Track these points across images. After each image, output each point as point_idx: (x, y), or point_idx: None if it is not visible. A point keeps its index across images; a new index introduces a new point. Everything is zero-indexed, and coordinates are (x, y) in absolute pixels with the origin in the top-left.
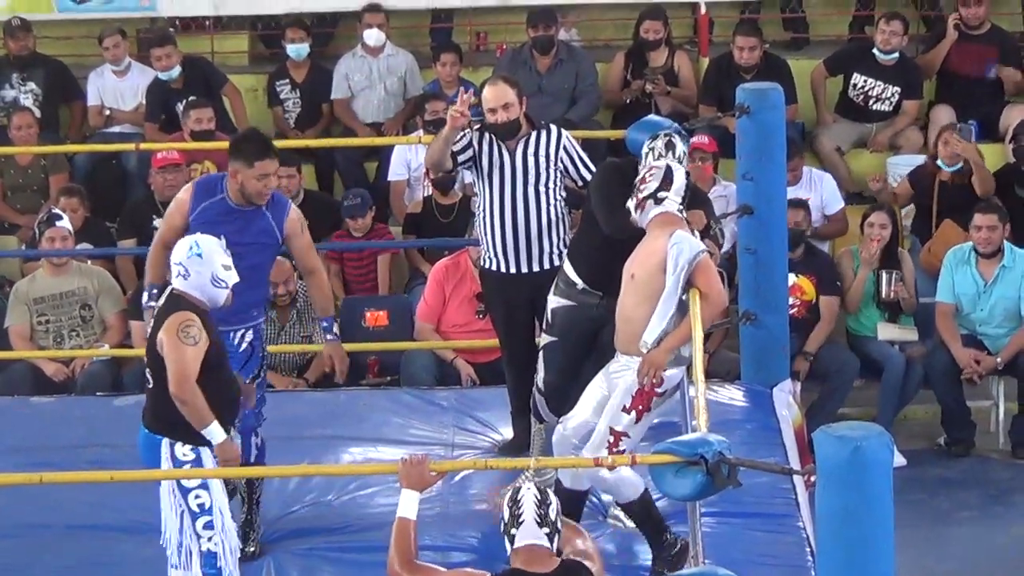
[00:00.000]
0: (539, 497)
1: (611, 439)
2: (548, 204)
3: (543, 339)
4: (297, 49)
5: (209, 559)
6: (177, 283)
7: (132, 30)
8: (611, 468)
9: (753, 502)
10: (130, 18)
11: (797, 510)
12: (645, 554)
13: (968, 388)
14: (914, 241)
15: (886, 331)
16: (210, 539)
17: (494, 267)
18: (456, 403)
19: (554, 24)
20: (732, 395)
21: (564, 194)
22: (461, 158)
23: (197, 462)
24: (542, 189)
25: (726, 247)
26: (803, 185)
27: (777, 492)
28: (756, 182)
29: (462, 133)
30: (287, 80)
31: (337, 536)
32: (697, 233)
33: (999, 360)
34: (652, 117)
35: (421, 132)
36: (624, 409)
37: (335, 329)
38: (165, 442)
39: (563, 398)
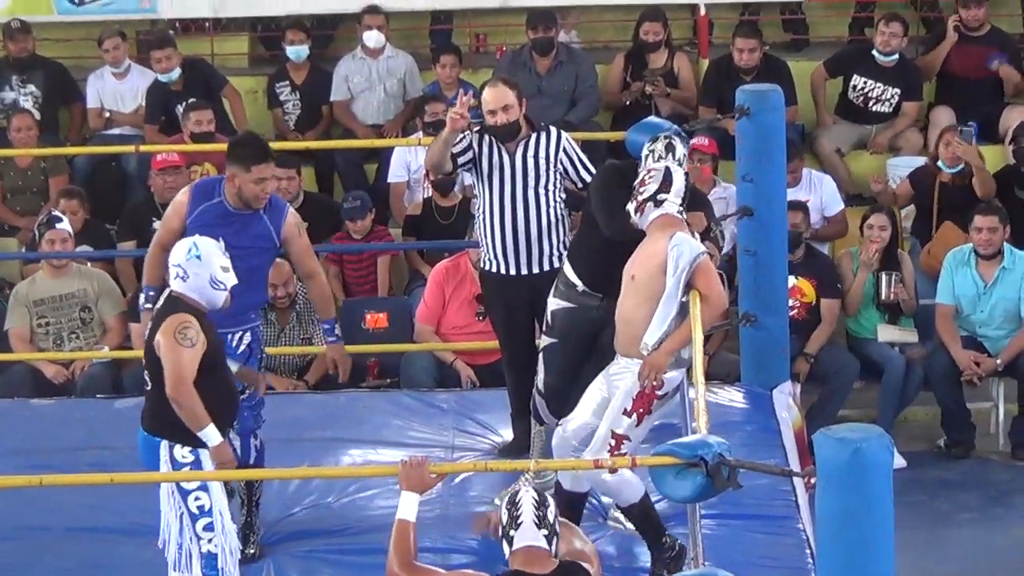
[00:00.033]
0: (537, 499)
1: (612, 442)
2: (548, 206)
3: (543, 341)
4: (297, 51)
5: (209, 561)
6: (175, 285)
7: (132, 32)
8: (612, 471)
9: (753, 504)
10: (130, 20)
11: (797, 512)
12: (645, 556)
13: (968, 390)
14: (914, 243)
15: (886, 333)
16: (210, 541)
17: (494, 269)
18: (456, 405)
19: (554, 26)
20: (732, 397)
21: (564, 196)
22: (461, 160)
23: (196, 464)
24: (542, 191)
25: (726, 249)
26: (803, 187)
27: (777, 494)
28: (756, 184)
29: (462, 135)
30: (287, 82)
31: (337, 538)
32: (697, 235)
33: (999, 362)
34: (652, 119)
35: (421, 134)
36: (625, 412)
37: (337, 331)
38: (164, 444)
39: (563, 400)
